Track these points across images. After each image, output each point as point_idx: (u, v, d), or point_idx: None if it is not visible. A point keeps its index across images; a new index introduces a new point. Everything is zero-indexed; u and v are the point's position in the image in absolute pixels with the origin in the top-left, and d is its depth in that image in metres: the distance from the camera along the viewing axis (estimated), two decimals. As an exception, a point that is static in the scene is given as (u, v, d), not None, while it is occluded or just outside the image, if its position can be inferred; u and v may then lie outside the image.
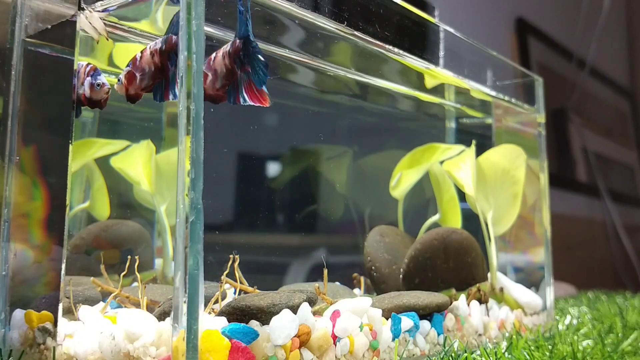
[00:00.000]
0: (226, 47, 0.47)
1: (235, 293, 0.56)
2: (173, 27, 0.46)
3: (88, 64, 0.50)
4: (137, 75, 0.47)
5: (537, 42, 2.10)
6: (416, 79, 0.78)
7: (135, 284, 0.61)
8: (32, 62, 0.52)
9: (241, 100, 0.47)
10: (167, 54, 0.46)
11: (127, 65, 0.48)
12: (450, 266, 0.71)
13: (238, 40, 0.46)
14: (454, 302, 0.65)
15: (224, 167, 0.77)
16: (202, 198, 0.39)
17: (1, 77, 0.53)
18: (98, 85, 0.49)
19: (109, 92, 0.50)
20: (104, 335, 0.43)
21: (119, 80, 0.49)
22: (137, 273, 0.54)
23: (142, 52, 0.48)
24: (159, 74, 0.47)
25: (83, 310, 0.48)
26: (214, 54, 0.47)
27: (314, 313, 0.51)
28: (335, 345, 0.49)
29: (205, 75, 0.47)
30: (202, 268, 0.39)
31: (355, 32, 0.59)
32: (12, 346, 0.48)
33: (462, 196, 0.80)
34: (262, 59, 0.46)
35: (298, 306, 0.48)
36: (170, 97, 0.47)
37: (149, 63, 0.47)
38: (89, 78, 0.49)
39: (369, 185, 0.90)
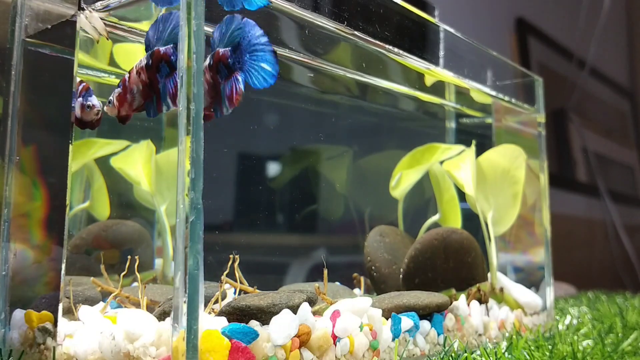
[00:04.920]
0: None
1: (235, 293, 0.56)
2: (160, 35, 0.46)
3: (80, 82, 0.49)
4: (128, 96, 0.47)
5: (537, 42, 2.10)
6: (416, 79, 0.78)
7: (135, 284, 0.61)
8: (32, 62, 0.52)
9: (225, 110, 0.46)
10: (156, 67, 0.45)
11: (117, 86, 0.48)
12: (450, 266, 0.71)
13: (223, 50, 0.45)
14: (454, 302, 0.65)
15: (224, 167, 0.77)
16: (202, 198, 0.39)
17: (1, 77, 0.53)
18: (88, 106, 0.48)
19: (99, 113, 0.49)
20: (104, 335, 0.43)
21: (109, 102, 0.48)
22: (137, 273, 0.54)
23: (129, 72, 0.47)
24: (149, 91, 0.46)
25: (83, 310, 0.48)
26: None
27: (314, 313, 0.51)
28: (335, 345, 0.49)
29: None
30: (202, 268, 0.39)
31: (355, 32, 0.59)
32: (12, 346, 0.48)
33: (462, 196, 0.80)
34: (268, 56, 0.45)
35: (298, 306, 0.48)
36: (164, 109, 0.46)
37: (137, 82, 0.46)
38: (80, 98, 0.48)
39: (369, 185, 0.90)
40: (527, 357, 0.57)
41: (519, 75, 0.89)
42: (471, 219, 0.79)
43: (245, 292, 0.54)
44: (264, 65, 0.44)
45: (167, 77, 0.45)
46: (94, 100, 0.49)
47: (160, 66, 0.45)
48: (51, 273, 0.48)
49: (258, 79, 0.45)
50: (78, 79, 0.49)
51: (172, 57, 0.45)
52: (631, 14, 3.03)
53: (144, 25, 0.53)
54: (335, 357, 0.49)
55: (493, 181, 0.80)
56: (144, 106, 0.48)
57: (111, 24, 0.51)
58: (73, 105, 0.49)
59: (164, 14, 0.45)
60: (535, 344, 0.62)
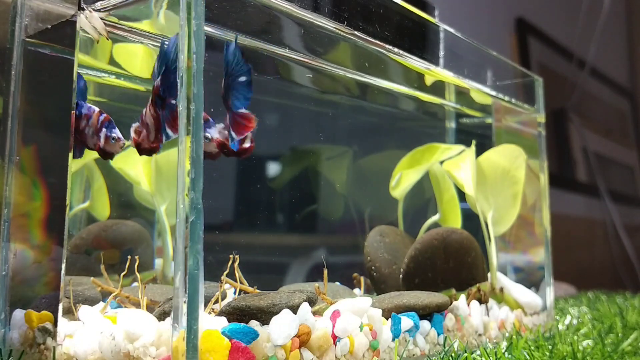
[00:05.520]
0: (149, 99, 0.47)
1: (235, 293, 0.56)
2: (156, 70, 0.47)
3: (101, 112, 0.51)
4: (144, 130, 0.48)
5: (537, 42, 2.10)
6: (416, 79, 0.78)
7: (135, 284, 0.61)
8: (32, 62, 0.52)
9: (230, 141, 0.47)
10: (154, 101, 0.47)
11: (137, 120, 0.49)
12: (450, 266, 0.71)
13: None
14: (454, 302, 0.65)
15: (224, 167, 0.77)
16: (202, 198, 0.39)
17: (1, 77, 0.53)
18: (114, 139, 0.50)
19: (124, 145, 0.51)
20: (104, 335, 0.43)
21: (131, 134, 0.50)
22: (137, 273, 0.54)
23: (146, 106, 0.49)
24: (159, 123, 0.48)
25: (83, 310, 0.48)
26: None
27: (314, 313, 0.51)
28: (335, 345, 0.49)
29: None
30: (202, 268, 0.39)
31: (355, 32, 0.59)
32: (12, 346, 0.48)
33: (462, 196, 0.80)
34: (244, 79, 0.46)
35: (298, 306, 0.48)
36: (163, 139, 0.47)
37: (150, 116, 0.48)
38: (104, 129, 0.50)
39: (369, 186, 0.90)
40: (527, 357, 0.57)
41: (519, 75, 0.89)
42: (471, 219, 0.79)
43: (245, 292, 0.54)
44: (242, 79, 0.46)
45: (162, 109, 0.46)
46: (118, 133, 0.50)
47: (156, 99, 0.47)
48: (51, 273, 0.48)
49: (240, 100, 0.46)
50: (97, 109, 0.50)
51: (160, 89, 0.46)
52: (631, 14, 3.03)
53: (144, 25, 0.53)
54: (335, 357, 0.49)
55: (493, 181, 0.80)
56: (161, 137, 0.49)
57: (111, 23, 0.51)
58: (85, 131, 0.50)
59: (160, 49, 0.47)
60: (535, 344, 0.62)
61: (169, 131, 0.46)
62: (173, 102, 0.45)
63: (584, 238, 2.28)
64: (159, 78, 0.46)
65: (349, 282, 0.77)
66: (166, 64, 0.45)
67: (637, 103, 2.98)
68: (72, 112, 0.49)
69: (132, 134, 0.49)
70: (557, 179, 2.03)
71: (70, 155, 0.48)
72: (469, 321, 0.65)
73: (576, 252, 2.14)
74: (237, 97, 0.47)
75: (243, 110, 0.47)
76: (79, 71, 0.50)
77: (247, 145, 0.49)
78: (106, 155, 0.51)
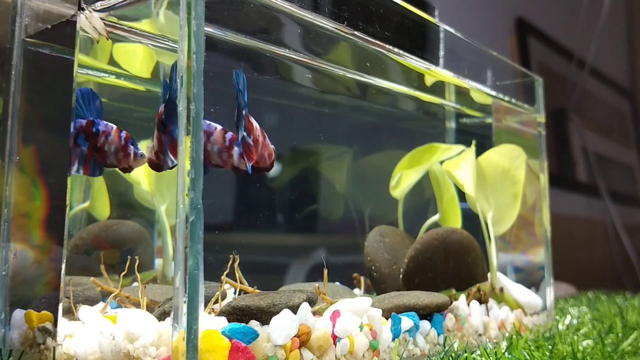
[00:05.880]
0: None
1: (235, 293, 0.56)
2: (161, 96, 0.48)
3: (120, 129, 0.52)
4: (152, 148, 0.50)
5: (537, 42, 2.10)
6: (416, 79, 0.78)
7: (135, 284, 0.61)
8: (32, 62, 0.52)
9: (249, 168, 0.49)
10: (157, 126, 0.48)
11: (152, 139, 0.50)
12: (450, 266, 0.71)
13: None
14: (454, 302, 0.65)
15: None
16: (202, 198, 0.39)
17: (1, 77, 0.53)
18: (141, 155, 0.52)
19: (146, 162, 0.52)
20: (104, 335, 0.43)
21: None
22: (137, 273, 0.54)
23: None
24: (161, 146, 0.49)
25: (83, 310, 0.48)
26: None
27: (314, 313, 0.51)
28: (335, 345, 0.49)
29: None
30: (202, 268, 0.39)
31: (355, 32, 0.59)
32: (12, 346, 0.48)
33: (462, 196, 0.80)
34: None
35: (298, 306, 0.48)
36: (169, 162, 0.48)
37: (155, 137, 0.49)
38: (131, 147, 0.52)
39: (369, 186, 0.90)
40: (527, 357, 0.57)
41: (519, 75, 0.89)
42: (471, 219, 0.79)
43: (245, 292, 0.54)
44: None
45: (163, 134, 0.48)
46: (141, 150, 0.52)
47: (159, 124, 0.48)
48: (51, 273, 0.48)
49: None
50: (114, 126, 0.52)
51: (163, 117, 0.47)
52: (631, 14, 3.03)
53: (144, 25, 0.53)
54: (335, 357, 0.49)
55: (493, 181, 0.80)
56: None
57: (111, 23, 0.51)
58: (105, 148, 0.51)
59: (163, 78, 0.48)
60: (535, 344, 0.62)
61: (171, 156, 0.47)
62: (173, 130, 0.46)
63: (584, 238, 2.28)
64: (163, 105, 0.47)
65: (349, 282, 0.77)
66: (169, 92, 0.46)
67: (637, 103, 2.98)
68: (72, 109, 0.49)
69: (147, 153, 0.50)
70: (557, 179, 2.03)
71: (70, 169, 0.49)
72: (469, 321, 0.65)
73: (576, 252, 2.14)
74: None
75: (249, 140, 0.49)
76: (96, 91, 0.51)
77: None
78: (127, 170, 0.53)
